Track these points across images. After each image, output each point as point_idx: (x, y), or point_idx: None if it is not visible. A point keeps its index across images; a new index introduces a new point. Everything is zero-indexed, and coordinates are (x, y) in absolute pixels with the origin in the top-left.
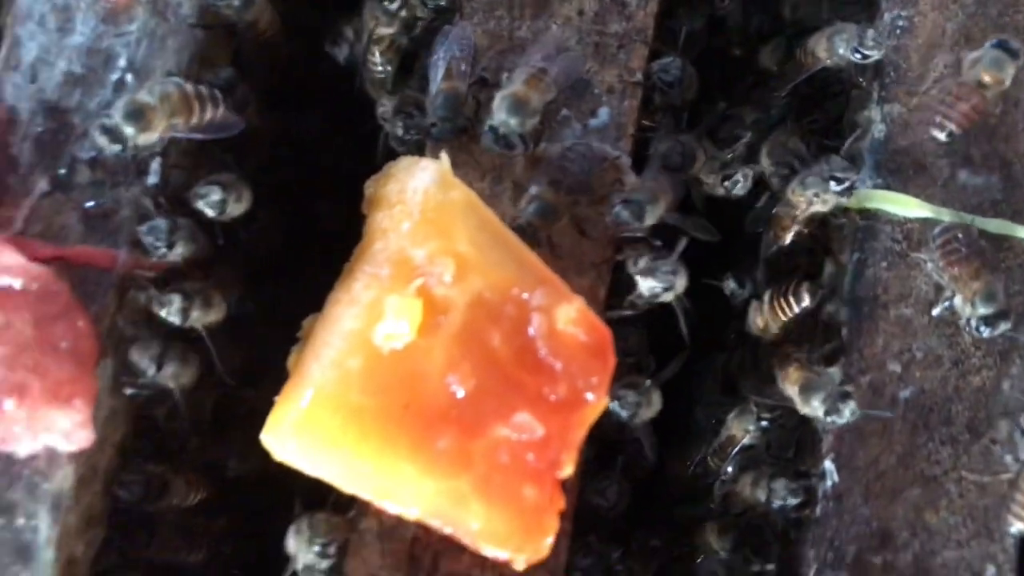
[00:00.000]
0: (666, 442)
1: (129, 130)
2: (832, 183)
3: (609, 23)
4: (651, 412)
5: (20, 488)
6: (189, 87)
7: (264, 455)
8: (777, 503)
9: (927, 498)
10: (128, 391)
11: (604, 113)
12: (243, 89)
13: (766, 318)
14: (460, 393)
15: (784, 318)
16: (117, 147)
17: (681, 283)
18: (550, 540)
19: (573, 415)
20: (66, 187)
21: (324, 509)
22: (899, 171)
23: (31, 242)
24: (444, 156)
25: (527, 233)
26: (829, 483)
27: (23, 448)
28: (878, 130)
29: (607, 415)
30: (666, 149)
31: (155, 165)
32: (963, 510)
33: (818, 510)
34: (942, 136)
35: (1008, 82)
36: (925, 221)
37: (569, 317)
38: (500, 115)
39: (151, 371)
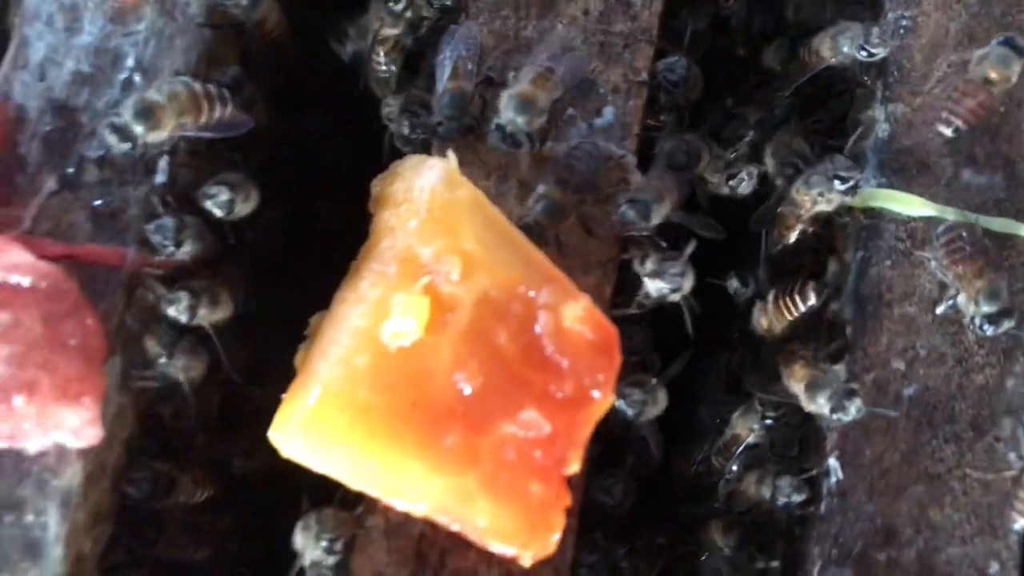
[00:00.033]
0: (671, 441)
1: (139, 128)
2: (836, 182)
3: (614, 23)
4: (657, 410)
5: (29, 485)
6: (197, 86)
7: (270, 452)
8: (782, 500)
9: (931, 495)
10: (138, 383)
11: (609, 112)
12: (250, 88)
13: (770, 318)
14: (467, 390)
15: (789, 318)
16: (126, 145)
17: (688, 284)
18: (557, 537)
19: (579, 412)
20: (74, 186)
21: (331, 505)
22: (903, 170)
23: (40, 240)
24: (451, 155)
25: (534, 232)
26: (833, 480)
27: (33, 445)
28: (882, 129)
29: (613, 413)
30: (671, 148)
31: (163, 164)
32: (967, 507)
33: (822, 507)
34: (949, 132)
35: (1014, 79)
36: (929, 220)
37: (575, 315)
38: (507, 114)
39: (163, 359)
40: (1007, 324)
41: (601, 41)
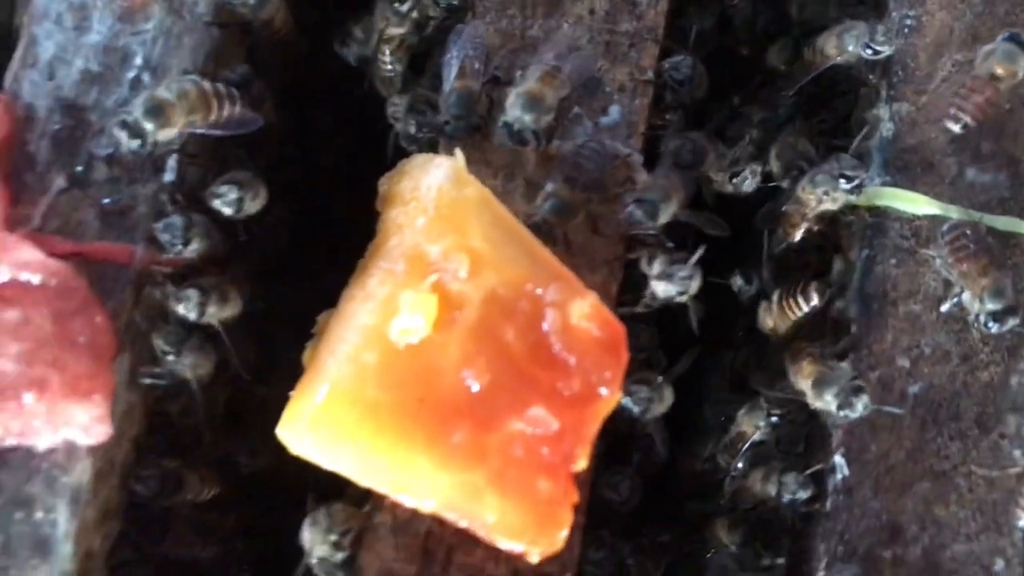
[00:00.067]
0: (676, 438)
1: (149, 126)
2: (842, 181)
3: (620, 22)
4: (663, 408)
5: (39, 482)
6: (207, 84)
7: (277, 451)
8: (787, 497)
9: (936, 492)
10: (146, 381)
11: (615, 111)
12: (258, 86)
13: (775, 318)
14: (475, 387)
15: (793, 317)
16: (136, 143)
17: (695, 286)
18: (564, 533)
19: (587, 409)
20: (83, 184)
21: (340, 501)
22: (907, 169)
23: (49, 238)
24: (459, 153)
25: (543, 230)
26: (839, 477)
27: (42, 442)
28: (886, 128)
29: (619, 410)
30: (677, 146)
31: (172, 162)
32: (972, 504)
33: (828, 504)
34: (956, 128)
35: (1021, 75)
36: (933, 218)
37: (583, 312)
38: (515, 112)
39: (171, 357)
40: (1012, 322)
41: (607, 40)
